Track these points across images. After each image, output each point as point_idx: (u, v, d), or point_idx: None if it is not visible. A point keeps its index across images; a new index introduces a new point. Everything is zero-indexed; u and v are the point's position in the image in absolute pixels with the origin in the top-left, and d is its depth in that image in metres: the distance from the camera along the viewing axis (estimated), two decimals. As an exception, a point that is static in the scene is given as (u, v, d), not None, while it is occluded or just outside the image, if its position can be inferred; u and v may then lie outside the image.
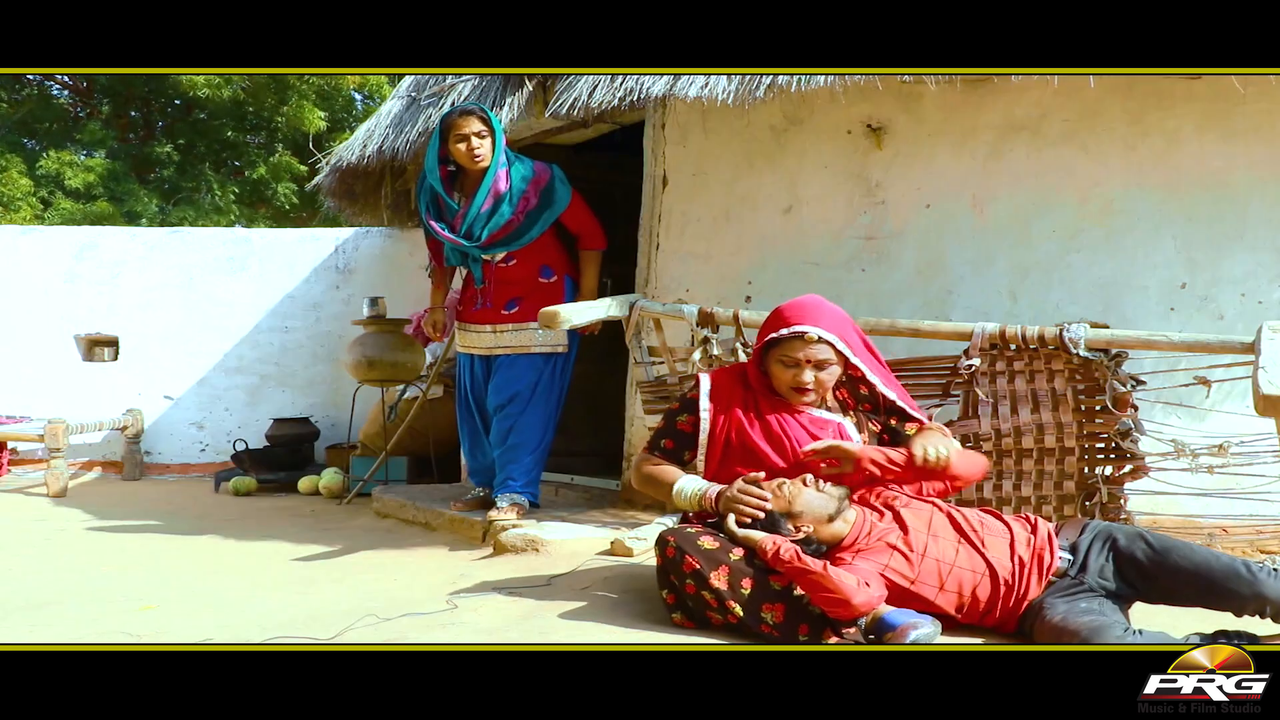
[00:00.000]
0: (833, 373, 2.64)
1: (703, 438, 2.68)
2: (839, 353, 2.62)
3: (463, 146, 3.75)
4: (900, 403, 2.71)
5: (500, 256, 3.89)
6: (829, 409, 2.71)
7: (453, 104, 4.99)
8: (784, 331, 2.60)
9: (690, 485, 2.62)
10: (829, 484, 2.51)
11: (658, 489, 2.70)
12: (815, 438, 2.63)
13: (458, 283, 4.35)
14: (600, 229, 4.09)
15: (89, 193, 11.69)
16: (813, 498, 2.46)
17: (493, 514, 3.75)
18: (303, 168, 12.34)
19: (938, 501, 2.64)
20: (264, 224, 12.85)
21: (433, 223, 3.87)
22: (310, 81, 11.95)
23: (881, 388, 2.70)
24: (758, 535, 2.41)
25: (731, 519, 2.47)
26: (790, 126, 4.15)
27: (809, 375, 2.61)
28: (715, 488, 2.57)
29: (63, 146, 12.47)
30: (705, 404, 2.70)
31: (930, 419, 3.01)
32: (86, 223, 10.46)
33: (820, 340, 2.59)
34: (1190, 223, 3.59)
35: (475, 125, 3.74)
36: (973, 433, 3.12)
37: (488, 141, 3.77)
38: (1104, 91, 3.58)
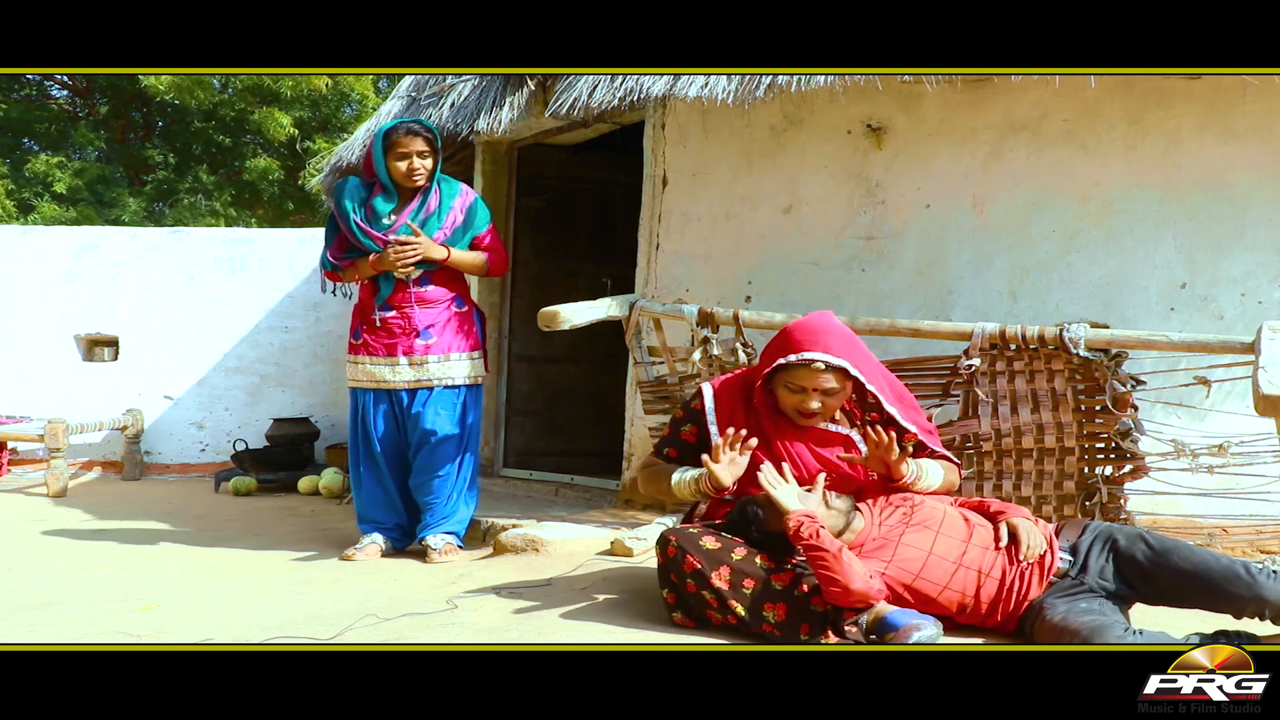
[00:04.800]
0: (839, 398, 2.62)
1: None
2: (849, 378, 2.59)
3: (403, 165, 3.59)
4: (907, 424, 2.67)
5: (417, 276, 3.67)
6: (835, 421, 2.70)
7: (456, 102, 5.00)
8: (792, 359, 2.55)
9: (688, 473, 2.63)
10: (837, 496, 2.51)
11: (660, 487, 2.70)
12: (819, 454, 2.64)
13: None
14: (506, 261, 3.96)
15: (74, 197, 11.63)
16: (822, 516, 2.45)
17: (435, 556, 3.58)
18: (281, 172, 12.34)
19: (947, 500, 2.64)
20: (259, 225, 12.85)
21: (368, 228, 3.62)
22: (298, 84, 11.87)
23: (901, 420, 2.65)
24: (791, 505, 2.39)
25: (766, 476, 2.45)
26: (790, 126, 4.15)
27: (815, 403, 2.59)
28: (705, 471, 2.55)
29: (59, 149, 12.44)
30: (712, 418, 2.70)
31: (931, 419, 3.01)
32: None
33: (828, 369, 2.55)
34: (1190, 223, 3.59)
35: (419, 145, 3.60)
36: (973, 433, 3.12)
37: (429, 161, 3.63)
38: (1104, 91, 3.58)
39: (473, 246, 3.77)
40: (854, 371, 2.57)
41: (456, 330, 3.73)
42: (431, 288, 3.71)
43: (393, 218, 3.66)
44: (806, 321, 2.65)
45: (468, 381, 3.73)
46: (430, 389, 3.68)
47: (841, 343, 2.59)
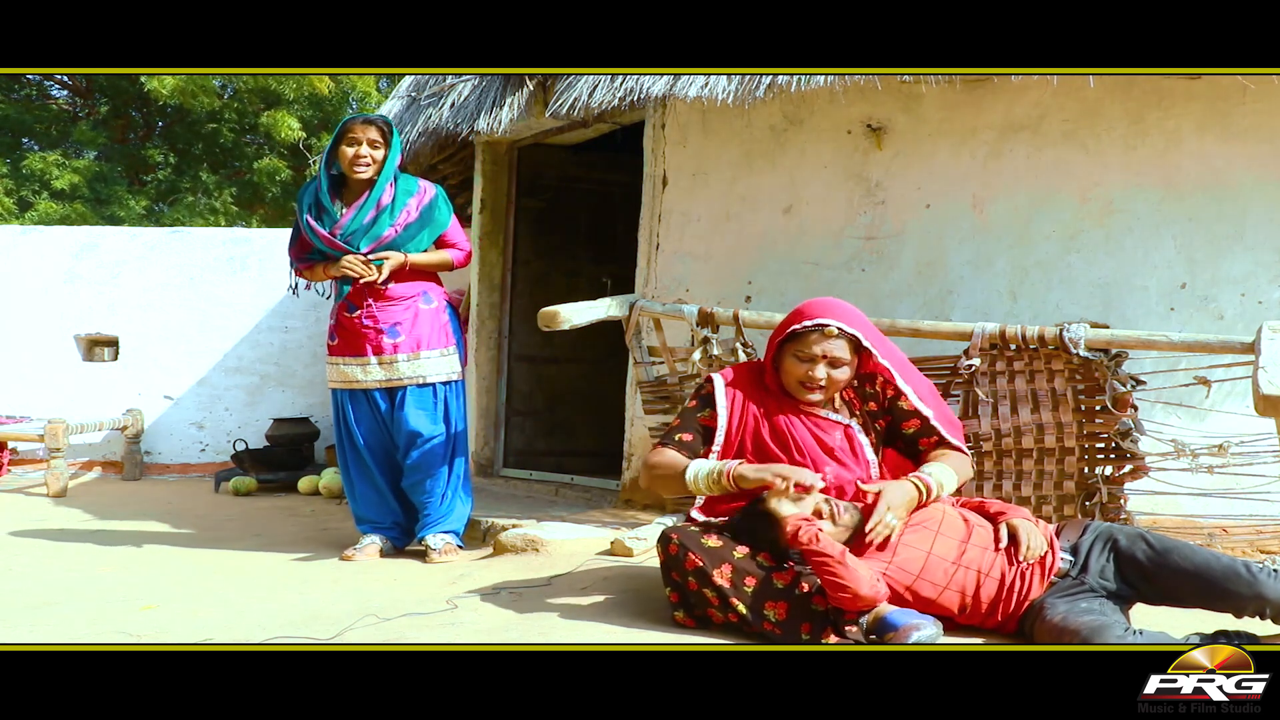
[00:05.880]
0: (844, 373, 2.62)
1: (719, 437, 2.67)
2: (856, 350, 2.61)
3: (350, 151, 3.52)
4: (925, 410, 2.67)
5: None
6: (835, 410, 2.71)
7: (456, 102, 4.99)
8: (806, 324, 2.58)
9: (705, 466, 2.56)
10: (845, 507, 2.50)
11: (668, 477, 2.63)
12: (820, 440, 2.64)
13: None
14: (469, 253, 3.91)
15: (74, 194, 11.62)
16: (831, 532, 2.43)
17: (434, 556, 3.57)
18: (288, 171, 12.33)
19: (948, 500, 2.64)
20: (260, 225, 12.83)
21: (315, 225, 3.59)
22: (300, 85, 11.83)
23: (914, 399, 2.66)
24: (786, 510, 2.39)
25: (774, 491, 2.43)
26: (790, 126, 4.15)
27: (821, 371, 2.59)
28: (730, 464, 2.52)
29: (58, 147, 12.43)
30: (723, 402, 2.69)
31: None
32: (65, 225, 10.42)
33: (839, 334, 2.57)
34: (1190, 223, 3.59)
35: (372, 134, 3.53)
36: (973, 433, 3.12)
37: (379, 153, 3.55)
38: (1104, 91, 3.58)
39: (439, 244, 3.73)
40: (865, 342, 2.59)
41: (426, 327, 3.67)
42: (393, 284, 3.64)
43: (340, 210, 3.61)
44: (817, 299, 2.68)
45: (442, 379, 3.68)
46: (404, 389, 3.65)
47: (853, 317, 2.62)
